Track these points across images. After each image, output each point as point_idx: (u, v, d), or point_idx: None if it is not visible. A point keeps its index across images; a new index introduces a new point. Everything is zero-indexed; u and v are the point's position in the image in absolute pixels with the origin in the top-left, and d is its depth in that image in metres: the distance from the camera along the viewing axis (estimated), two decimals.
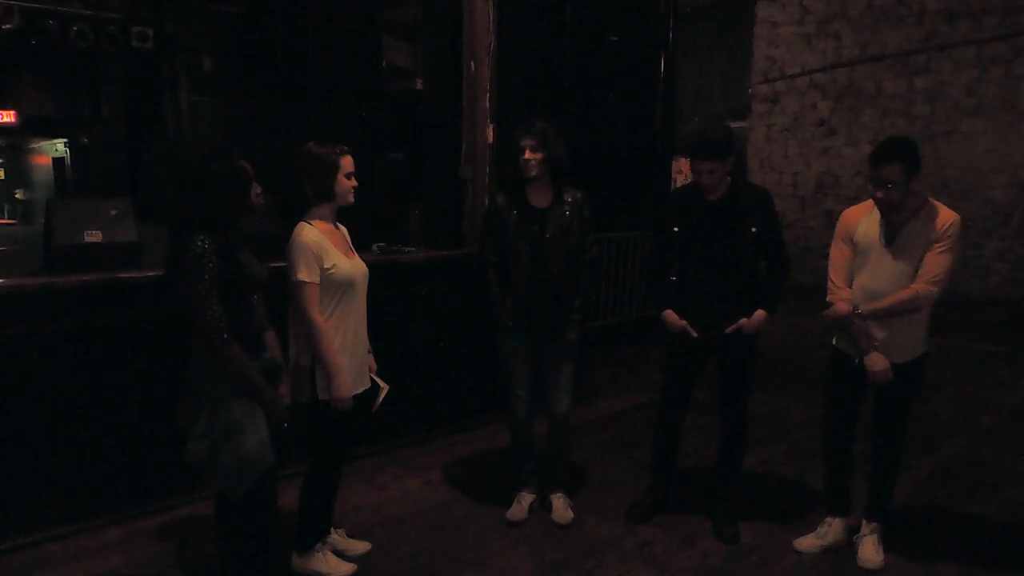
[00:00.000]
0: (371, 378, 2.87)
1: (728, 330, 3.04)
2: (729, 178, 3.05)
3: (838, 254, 2.91)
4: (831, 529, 3.09)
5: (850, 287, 2.87)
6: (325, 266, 2.58)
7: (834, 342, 3.00)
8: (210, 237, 2.24)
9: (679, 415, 3.34)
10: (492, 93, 4.42)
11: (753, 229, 3.01)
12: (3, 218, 15.61)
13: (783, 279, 3.13)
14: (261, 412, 2.35)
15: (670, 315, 3.13)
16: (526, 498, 3.41)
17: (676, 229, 3.11)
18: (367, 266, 2.82)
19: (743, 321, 3.03)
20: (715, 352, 3.16)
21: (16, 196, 15.85)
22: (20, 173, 15.93)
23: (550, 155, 3.08)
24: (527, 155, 3.08)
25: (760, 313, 3.04)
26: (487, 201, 4.50)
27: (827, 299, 2.91)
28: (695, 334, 3.07)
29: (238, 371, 2.28)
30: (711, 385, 3.32)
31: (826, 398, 3.08)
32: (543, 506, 3.42)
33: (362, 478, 3.71)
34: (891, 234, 2.76)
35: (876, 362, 2.78)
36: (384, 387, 2.89)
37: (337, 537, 3.02)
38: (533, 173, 3.10)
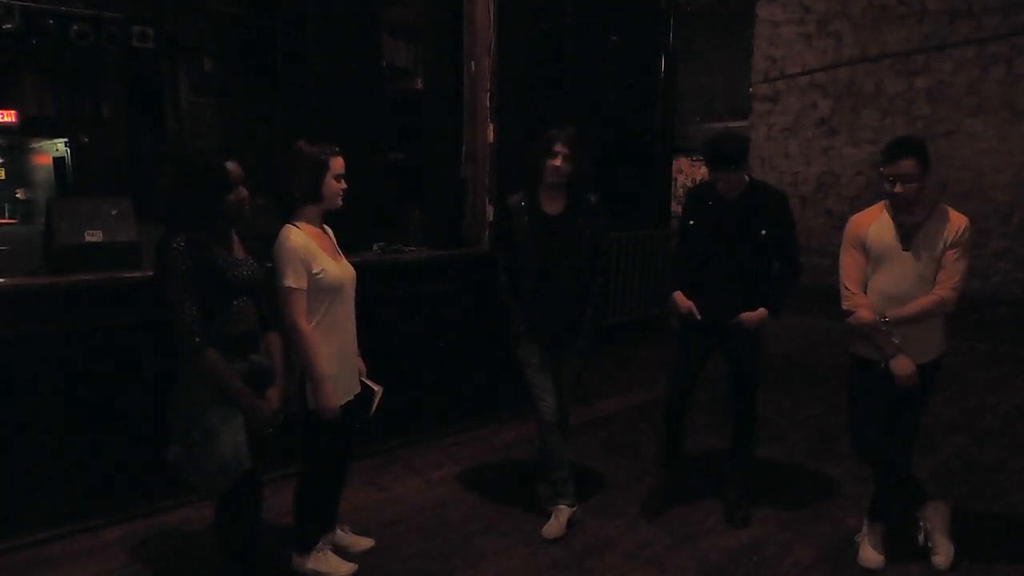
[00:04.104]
0: (363, 382, 2.84)
1: (729, 323, 3.12)
2: (747, 178, 3.13)
3: (850, 260, 2.89)
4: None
5: (864, 292, 2.87)
6: (313, 271, 2.53)
7: (851, 349, 2.96)
8: (187, 237, 2.23)
9: (685, 405, 3.41)
10: (492, 93, 4.42)
11: (763, 231, 3.07)
12: (3, 218, 15.62)
13: (791, 282, 3.18)
14: (240, 416, 2.33)
15: (679, 296, 3.23)
16: (564, 512, 3.22)
17: (692, 222, 3.22)
18: (363, 267, 2.80)
19: (744, 315, 3.10)
20: (721, 346, 3.25)
21: (17, 196, 15.86)
22: (21, 173, 15.95)
23: (577, 167, 3.04)
24: (559, 162, 3.01)
25: (761, 310, 3.10)
26: (488, 201, 4.50)
27: (843, 306, 2.89)
28: (699, 316, 3.15)
29: (213, 374, 2.26)
30: (714, 385, 3.34)
31: (853, 407, 2.98)
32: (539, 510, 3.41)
33: (363, 478, 3.71)
34: (906, 238, 2.77)
35: (903, 366, 2.76)
36: (378, 390, 2.86)
37: (341, 534, 3.02)
38: (556, 180, 3.06)
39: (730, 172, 3.02)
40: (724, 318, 3.13)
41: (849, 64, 9.87)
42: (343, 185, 2.65)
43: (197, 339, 2.22)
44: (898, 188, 2.71)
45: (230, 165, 2.36)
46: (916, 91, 9.28)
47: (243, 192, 2.38)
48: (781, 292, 3.17)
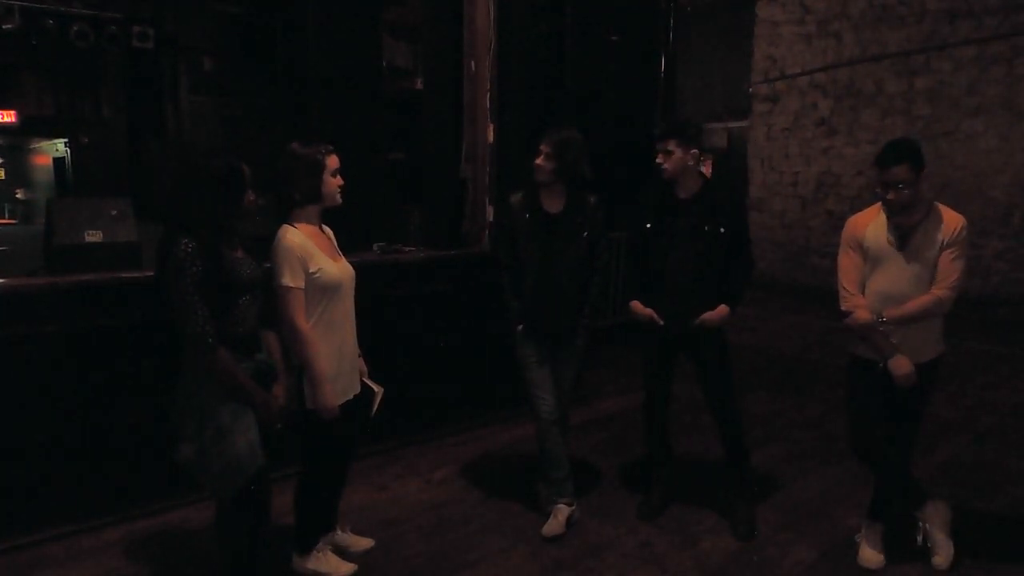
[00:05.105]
0: (363, 382, 2.84)
1: (692, 325, 3.11)
2: (701, 177, 3.15)
3: (848, 261, 2.90)
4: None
5: (862, 292, 2.87)
6: (310, 270, 2.54)
7: (850, 349, 2.97)
8: (196, 238, 2.23)
9: (661, 406, 3.41)
10: (492, 93, 4.42)
11: (722, 229, 3.08)
12: (3, 218, 15.62)
13: (747, 278, 3.20)
14: (251, 414, 2.34)
15: (636, 305, 3.21)
16: (563, 511, 3.23)
17: (648, 225, 3.19)
18: (363, 267, 2.80)
19: (705, 315, 3.09)
20: (687, 349, 3.25)
21: (16, 196, 15.85)
22: (20, 173, 15.93)
23: (563, 166, 3.07)
24: (539, 161, 3.11)
25: (722, 308, 3.10)
26: (488, 201, 4.50)
27: (842, 307, 2.90)
28: (661, 322, 3.14)
29: (224, 374, 2.27)
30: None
31: (852, 407, 2.98)
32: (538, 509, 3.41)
33: (363, 478, 3.71)
34: (903, 238, 2.77)
35: (902, 365, 2.76)
36: (379, 390, 2.87)
37: (341, 534, 3.03)
38: (541, 179, 3.13)
39: (669, 142, 3.04)
40: (687, 320, 3.11)
41: (849, 64, 9.87)
42: (340, 181, 2.66)
43: (210, 340, 2.22)
44: (891, 195, 2.71)
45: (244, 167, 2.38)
46: (916, 91, 9.28)
47: (251, 194, 2.40)
48: (739, 289, 3.17)
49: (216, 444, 2.28)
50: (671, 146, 3.05)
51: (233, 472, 2.29)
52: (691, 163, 3.08)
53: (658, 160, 3.10)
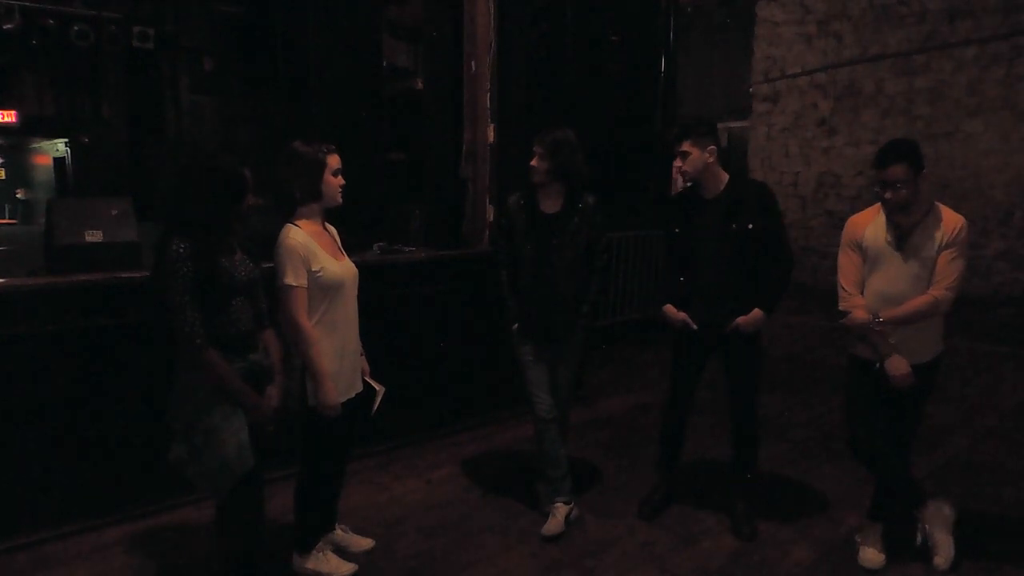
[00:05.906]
0: (365, 381, 2.85)
1: (726, 329, 3.06)
2: (726, 175, 3.11)
3: (847, 261, 2.90)
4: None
5: (861, 293, 2.87)
6: (313, 269, 2.55)
7: (849, 349, 2.97)
8: (188, 240, 2.23)
9: (684, 410, 3.37)
10: (493, 93, 4.42)
11: (750, 226, 3.01)
12: (3, 218, 15.64)
13: (784, 277, 3.12)
14: (242, 415, 2.34)
15: (669, 309, 3.18)
16: (561, 509, 3.23)
17: (677, 229, 3.17)
18: (362, 267, 2.80)
19: (740, 320, 3.05)
20: (718, 351, 3.20)
21: (17, 196, 15.88)
22: (21, 173, 15.97)
23: (557, 166, 3.07)
24: (534, 162, 3.11)
25: (756, 312, 3.05)
26: (488, 201, 4.50)
27: (840, 307, 2.90)
28: (695, 326, 3.11)
29: (215, 375, 2.28)
30: (715, 385, 3.33)
31: (851, 407, 2.98)
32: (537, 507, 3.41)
33: (363, 478, 3.71)
34: (902, 239, 2.77)
35: (898, 366, 2.76)
36: (380, 389, 2.87)
37: (341, 534, 3.03)
38: (537, 180, 3.13)
39: (687, 144, 3.00)
40: (720, 324, 3.08)
41: (849, 64, 9.87)
42: (341, 181, 2.67)
43: (198, 341, 2.23)
44: (888, 195, 2.71)
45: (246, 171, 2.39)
46: (916, 91, 9.28)
47: (251, 200, 2.40)
48: (775, 290, 3.10)
49: (206, 445, 2.28)
50: (686, 147, 3.02)
51: (223, 473, 2.30)
52: (710, 160, 3.04)
53: (676, 164, 3.07)
